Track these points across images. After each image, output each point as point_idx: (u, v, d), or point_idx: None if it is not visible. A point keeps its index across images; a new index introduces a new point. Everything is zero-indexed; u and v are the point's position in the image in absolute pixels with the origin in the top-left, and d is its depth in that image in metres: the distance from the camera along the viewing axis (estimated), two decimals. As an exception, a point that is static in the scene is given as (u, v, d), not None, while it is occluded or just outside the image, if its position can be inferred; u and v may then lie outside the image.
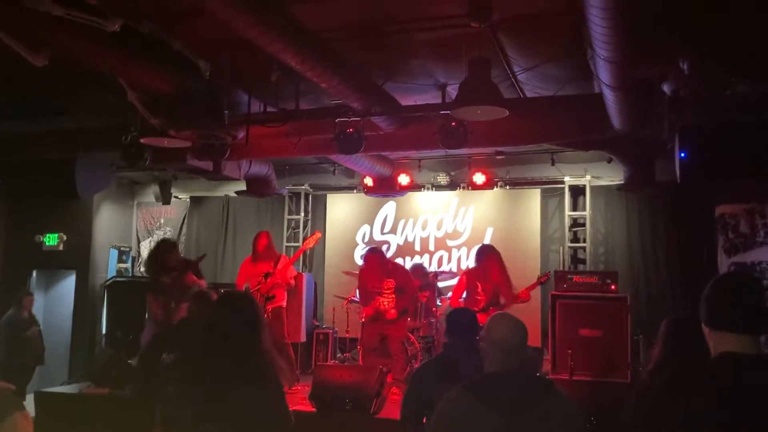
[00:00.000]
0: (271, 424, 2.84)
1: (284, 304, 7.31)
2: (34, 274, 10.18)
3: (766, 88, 4.57)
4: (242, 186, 9.26)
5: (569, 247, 9.00)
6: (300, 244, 10.20)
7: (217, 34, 4.83)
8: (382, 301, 7.08)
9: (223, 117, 5.52)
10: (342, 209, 10.21)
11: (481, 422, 2.37)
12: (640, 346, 7.54)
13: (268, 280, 7.11)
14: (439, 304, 8.51)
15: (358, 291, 7.58)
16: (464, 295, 6.99)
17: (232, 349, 2.88)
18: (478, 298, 6.86)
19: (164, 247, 7.27)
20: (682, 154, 6.02)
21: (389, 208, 9.90)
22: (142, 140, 6.25)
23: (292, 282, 7.59)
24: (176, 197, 10.72)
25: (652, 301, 8.46)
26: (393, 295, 7.07)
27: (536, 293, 8.61)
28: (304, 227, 10.42)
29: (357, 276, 7.63)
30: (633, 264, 8.70)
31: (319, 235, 7.98)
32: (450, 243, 9.51)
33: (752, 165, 6.03)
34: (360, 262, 9.64)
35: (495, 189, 9.37)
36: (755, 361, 2.02)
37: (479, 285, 6.91)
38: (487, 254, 6.99)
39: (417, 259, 9.54)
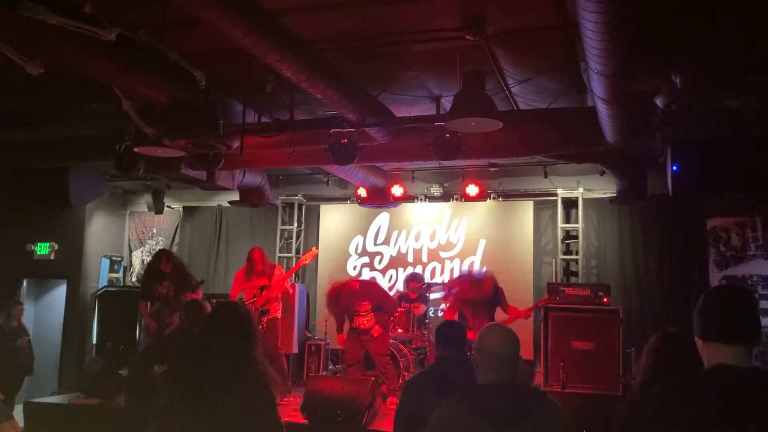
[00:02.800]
0: (263, 435, 2.83)
1: (279, 315, 7.29)
2: (25, 283, 10.10)
3: (757, 103, 4.61)
4: (235, 196, 9.25)
5: (562, 259, 9.02)
6: (293, 254, 10.22)
7: (213, 44, 4.85)
8: (361, 321, 7.08)
9: (218, 127, 5.52)
10: (335, 220, 10.21)
11: (474, 434, 2.36)
12: (632, 358, 7.55)
13: (264, 293, 7.07)
14: (431, 315, 8.52)
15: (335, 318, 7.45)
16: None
17: (225, 360, 2.87)
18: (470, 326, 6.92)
19: (160, 257, 7.28)
20: (675, 167, 6.06)
21: (382, 219, 9.90)
22: (136, 149, 6.24)
23: (290, 290, 7.54)
24: (169, 207, 10.68)
25: (644, 314, 8.47)
26: (371, 314, 7.08)
27: (528, 305, 8.62)
28: (297, 238, 10.41)
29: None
30: (625, 277, 8.72)
31: (316, 251, 7.90)
32: (443, 254, 9.51)
33: (744, 178, 6.08)
34: (353, 273, 9.65)
35: (488, 201, 9.39)
36: (748, 373, 2.03)
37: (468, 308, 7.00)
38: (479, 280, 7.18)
39: (410, 270, 9.53)
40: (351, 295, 7.09)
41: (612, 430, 2.76)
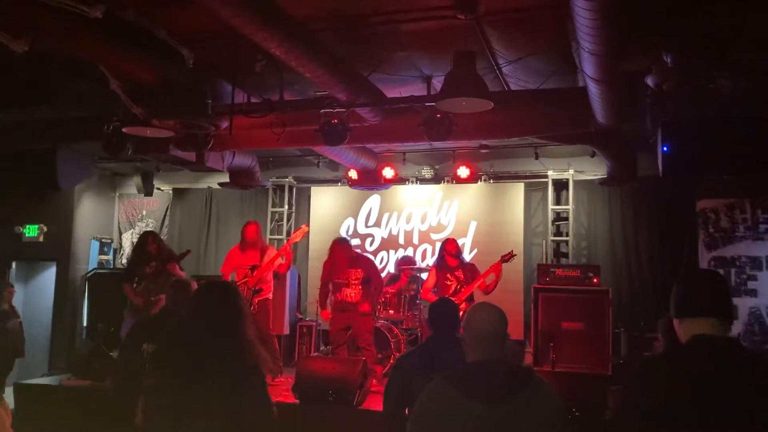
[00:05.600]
0: (253, 415, 2.83)
1: (270, 296, 7.28)
2: (14, 265, 10.05)
3: (748, 83, 4.61)
4: (225, 178, 9.20)
5: (552, 240, 9.05)
6: (284, 236, 10.20)
7: (202, 23, 4.80)
8: (348, 293, 7.02)
9: (207, 106, 5.48)
10: (326, 202, 10.18)
11: (462, 412, 2.37)
12: (621, 338, 7.61)
13: (255, 273, 7.04)
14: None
15: (321, 283, 7.41)
16: (436, 288, 7.04)
17: (214, 338, 2.86)
18: (448, 283, 6.96)
19: (147, 239, 7.26)
20: (665, 148, 6.06)
21: (373, 201, 9.89)
22: (124, 130, 6.19)
23: (281, 270, 7.52)
24: (159, 189, 10.62)
25: (633, 295, 8.54)
26: (360, 286, 7.02)
27: (518, 286, 8.70)
28: (288, 220, 10.39)
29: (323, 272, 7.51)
30: (615, 258, 8.76)
31: (306, 228, 7.79)
32: (434, 236, 9.51)
33: (734, 160, 6.09)
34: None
35: (479, 183, 9.39)
36: (724, 340, 2.14)
37: (446, 272, 7.00)
38: (442, 245, 7.25)
39: (401, 252, 9.55)
40: (349, 257, 7.07)
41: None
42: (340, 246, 7.19)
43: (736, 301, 7.33)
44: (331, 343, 7.35)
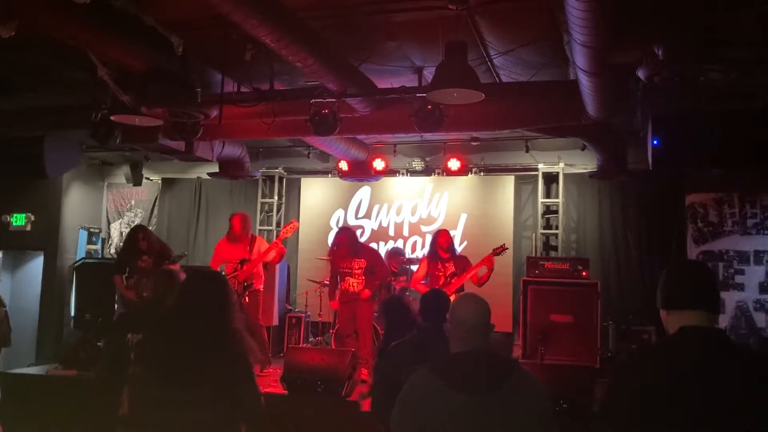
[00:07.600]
0: (240, 405, 2.81)
1: (261, 287, 7.25)
2: (1, 254, 9.96)
3: (738, 76, 4.61)
4: (215, 168, 9.15)
5: (542, 233, 9.06)
6: (273, 227, 10.17)
7: (191, 10, 4.75)
8: (352, 282, 7.04)
9: (196, 95, 5.43)
10: (316, 193, 10.15)
11: (446, 403, 2.37)
12: (609, 331, 7.64)
13: (245, 267, 7.00)
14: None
15: (330, 274, 7.51)
16: (426, 279, 7.04)
17: (200, 328, 2.84)
18: (438, 274, 6.95)
19: (136, 235, 7.22)
20: (655, 141, 6.07)
21: (364, 192, 9.87)
22: (112, 118, 6.12)
23: (273, 262, 7.50)
24: (147, 179, 10.55)
25: (622, 288, 8.57)
26: (362, 276, 7.03)
27: (508, 279, 8.71)
28: (278, 211, 10.36)
29: (330, 261, 7.57)
30: (604, 251, 8.79)
31: (296, 224, 7.74)
32: (424, 228, 9.51)
33: (723, 154, 6.11)
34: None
35: (469, 175, 9.40)
36: (711, 331, 2.14)
37: (438, 263, 7.01)
38: (434, 237, 7.26)
39: (391, 244, 9.54)
40: (353, 246, 7.12)
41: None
42: (344, 234, 7.25)
43: (723, 295, 7.38)
44: (338, 335, 7.33)
